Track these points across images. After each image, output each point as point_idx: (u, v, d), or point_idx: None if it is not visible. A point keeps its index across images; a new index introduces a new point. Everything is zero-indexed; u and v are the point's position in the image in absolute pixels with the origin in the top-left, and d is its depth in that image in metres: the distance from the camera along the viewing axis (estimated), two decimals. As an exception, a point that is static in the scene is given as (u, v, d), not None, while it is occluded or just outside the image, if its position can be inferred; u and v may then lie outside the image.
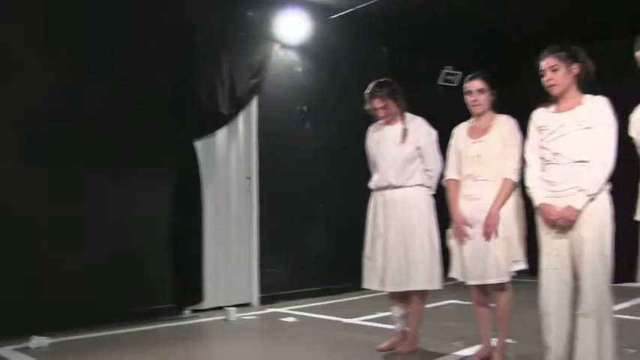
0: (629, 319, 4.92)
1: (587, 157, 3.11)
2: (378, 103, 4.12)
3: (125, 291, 5.23)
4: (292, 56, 6.88)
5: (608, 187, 3.13)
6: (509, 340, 3.89)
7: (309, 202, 6.76)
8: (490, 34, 7.25)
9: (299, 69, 6.97)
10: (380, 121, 4.24)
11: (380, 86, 4.14)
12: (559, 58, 3.22)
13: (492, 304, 3.81)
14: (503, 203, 3.65)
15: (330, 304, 6.39)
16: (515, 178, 3.62)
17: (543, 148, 3.26)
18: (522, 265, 3.64)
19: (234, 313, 5.53)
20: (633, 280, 2.89)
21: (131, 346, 4.52)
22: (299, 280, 6.69)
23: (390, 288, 4.05)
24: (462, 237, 3.75)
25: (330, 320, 5.47)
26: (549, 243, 3.21)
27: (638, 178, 3.03)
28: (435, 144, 4.12)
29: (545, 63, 3.24)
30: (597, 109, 3.17)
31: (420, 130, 4.11)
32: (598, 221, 3.08)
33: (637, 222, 2.86)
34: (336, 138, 6.87)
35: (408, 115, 4.17)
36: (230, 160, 6.28)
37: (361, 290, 4.33)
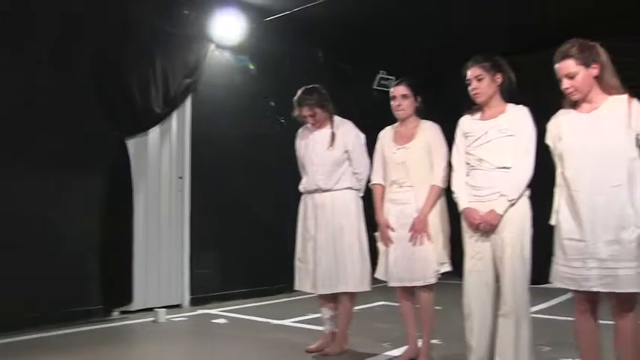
0: (545, 319, 5.12)
1: (509, 163, 3.25)
2: (306, 111, 4.17)
3: (51, 292, 5.06)
4: (228, 57, 6.84)
5: (527, 192, 3.27)
6: (435, 341, 4.00)
7: (243, 203, 6.73)
8: (424, 39, 7.42)
9: (252, 67, 6.96)
10: (309, 125, 4.29)
11: (307, 94, 4.18)
12: (483, 68, 3.35)
13: (417, 306, 3.91)
14: (431, 208, 3.75)
15: (262, 305, 6.38)
16: (442, 184, 3.74)
17: (468, 154, 3.38)
18: (447, 268, 3.77)
19: (163, 315, 5.46)
20: (549, 281, 3.02)
21: (57, 349, 4.38)
22: (231, 281, 6.66)
23: (320, 290, 4.09)
24: (386, 241, 3.86)
25: (261, 322, 5.47)
26: (472, 246, 3.33)
27: (554, 185, 3.14)
28: (364, 147, 4.19)
29: (471, 72, 3.37)
30: (519, 118, 3.32)
31: (349, 133, 4.16)
32: (518, 225, 3.22)
33: (552, 226, 2.99)
34: (271, 139, 6.87)
35: (337, 119, 4.23)
36: (162, 159, 6.20)
37: (293, 292, 4.36)
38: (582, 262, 2.81)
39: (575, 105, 2.95)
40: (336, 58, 7.90)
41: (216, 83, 6.68)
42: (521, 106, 3.37)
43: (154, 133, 6.09)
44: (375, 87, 8.28)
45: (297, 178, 4.36)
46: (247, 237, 6.79)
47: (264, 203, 6.88)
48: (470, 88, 3.39)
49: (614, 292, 2.77)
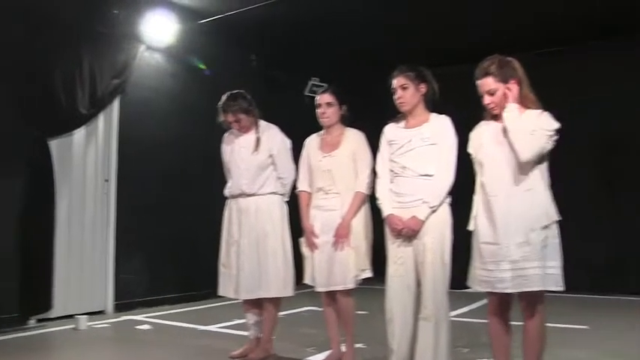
0: (465, 322, 5.28)
1: (431, 171, 3.34)
2: (230, 117, 4.16)
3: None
4: (159, 58, 6.75)
5: (448, 199, 3.38)
6: (359, 345, 4.06)
7: (170, 207, 6.64)
8: (357, 47, 7.52)
9: (202, 66, 6.88)
10: (235, 129, 4.28)
11: (232, 100, 4.18)
12: (408, 78, 3.45)
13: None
14: (355, 215, 3.81)
15: (188, 311, 6.30)
16: (366, 190, 3.80)
17: (392, 161, 3.46)
18: (368, 274, 3.83)
19: (84, 322, 5.29)
20: (467, 285, 3.14)
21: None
22: (157, 287, 6.54)
23: (242, 295, 4.08)
24: (311, 246, 3.90)
25: (187, 327, 5.39)
26: (395, 252, 3.41)
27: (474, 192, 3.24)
28: (289, 152, 4.21)
29: (396, 82, 3.46)
30: (441, 127, 3.42)
31: (274, 138, 4.18)
32: (439, 231, 3.32)
33: (471, 232, 3.10)
34: (200, 143, 6.78)
35: (263, 124, 4.24)
36: (87, 161, 6.04)
37: (220, 297, 4.32)
38: (496, 265, 2.94)
39: (495, 117, 3.08)
40: (269, 64, 7.91)
41: (146, 85, 6.58)
42: (443, 116, 3.47)
43: (80, 134, 5.93)
44: (307, 94, 8.32)
45: (223, 182, 4.33)
46: (174, 241, 6.69)
47: (191, 207, 6.79)
48: (395, 97, 3.48)
49: (524, 294, 2.92)
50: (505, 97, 3.01)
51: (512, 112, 2.99)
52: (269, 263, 4.03)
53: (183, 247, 6.74)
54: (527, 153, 2.91)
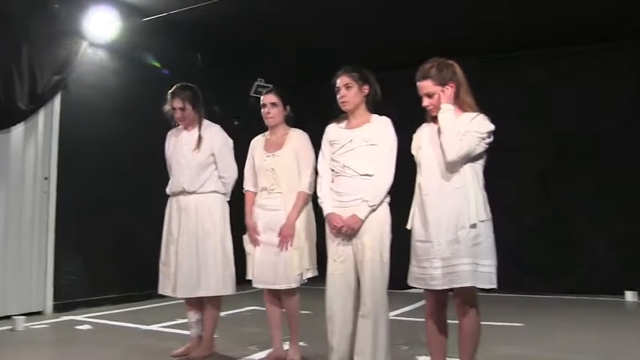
0: (407, 320, 5.41)
1: (371, 171, 3.42)
2: (177, 103, 4.15)
3: None
4: (102, 55, 6.65)
5: (387, 199, 3.46)
6: (301, 343, 4.10)
7: (112, 205, 6.53)
8: (303, 49, 7.58)
9: (156, 64, 6.83)
10: (178, 127, 4.28)
11: (183, 89, 4.20)
12: (352, 78, 3.53)
13: (284, 310, 4.02)
14: (298, 214, 3.87)
15: (130, 311, 6.22)
16: (308, 190, 3.89)
17: (334, 160, 3.53)
18: (312, 273, 3.90)
19: (21, 323, 5.16)
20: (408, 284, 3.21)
21: None
22: (99, 287, 6.44)
23: (180, 293, 4.07)
24: (253, 243, 3.96)
25: (128, 327, 5.33)
26: (335, 250, 3.48)
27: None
28: (231, 152, 4.22)
29: (340, 81, 3.53)
30: (382, 128, 3.51)
31: (216, 137, 4.19)
32: (378, 230, 3.40)
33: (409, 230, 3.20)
34: (143, 142, 6.70)
35: (205, 122, 4.25)
36: (27, 158, 5.90)
37: (162, 297, 4.30)
38: (429, 262, 3.03)
39: (435, 118, 3.16)
40: (215, 64, 7.86)
41: (89, 82, 6.47)
42: (384, 118, 3.56)
43: (18, 130, 5.79)
44: (252, 94, 8.30)
45: (166, 181, 4.31)
46: (116, 240, 6.60)
47: (133, 205, 6.70)
48: (338, 96, 3.55)
49: (458, 291, 3.02)
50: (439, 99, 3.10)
51: (445, 113, 3.08)
52: (209, 262, 4.03)
53: (125, 246, 6.65)
54: (453, 154, 3.00)
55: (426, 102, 3.14)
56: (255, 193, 4.07)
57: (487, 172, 3.10)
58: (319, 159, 3.64)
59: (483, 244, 2.98)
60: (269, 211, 3.92)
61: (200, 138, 4.15)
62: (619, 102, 7.18)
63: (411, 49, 6.53)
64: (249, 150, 4.15)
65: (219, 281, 4.05)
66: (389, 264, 3.41)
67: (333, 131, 3.61)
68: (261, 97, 4.06)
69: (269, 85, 8.34)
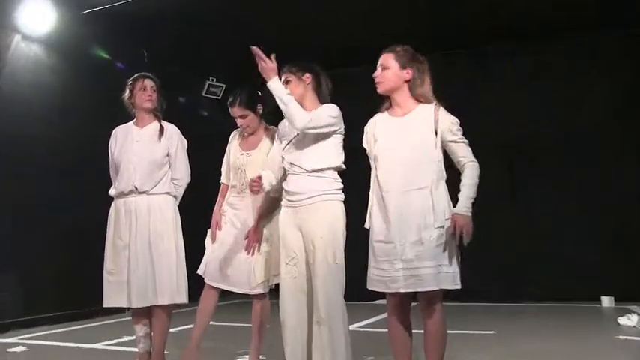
0: (373, 331, 5.35)
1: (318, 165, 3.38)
2: (148, 83, 4.00)
3: None
4: (36, 50, 6.42)
5: (341, 195, 3.38)
6: (261, 357, 4.05)
7: (51, 213, 6.25)
8: (257, 44, 7.40)
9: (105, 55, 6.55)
10: (127, 124, 4.09)
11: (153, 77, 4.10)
12: (290, 72, 3.49)
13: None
14: (266, 218, 3.88)
15: (73, 330, 5.97)
16: (277, 193, 3.76)
17: (283, 158, 3.50)
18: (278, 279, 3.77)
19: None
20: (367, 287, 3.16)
21: None
22: (36, 305, 6.15)
23: (136, 303, 3.84)
24: (213, 236, 4.01)
25: (69, 347, 5.12)
26: (286, 252, 3.42)
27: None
28: (185, 154, 4.10)
29: (282, 78, 3.45)
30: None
31: (172, 137, 4.05)
32: (329, 229, 3.31)
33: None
34: (82, 143, 6.42)
35: (163, 122, 4.08)
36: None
37: (107, 314, 4.09)
38: (390, 264, 3.01)
39: (389, 109, 3.21)
40: (163, 61, 7.59)
41: (24, 79, 6.26)
42: (327, 104, 3.46)
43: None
44: (204, 94, 8.17)
45: (110, 183, 4.11)
46: (54, 252, 6.32)
47: (76, 211, 6.44)
48: None
49: (422, 294, 3.00)
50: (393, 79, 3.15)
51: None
52: (163, 267, 3.85)
53: (65, 257, 6.35)
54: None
55: (377, 72, 3.18)
56: (228, 187, 4.11)
57: (449, 170, 3.13)
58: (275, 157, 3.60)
59: (445, 245, 2.98)
60: (236, 211, 3.98)
61: (162, 129, 3.98)
62: (588, 100, 7.22)
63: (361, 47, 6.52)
64: (229, 143, 4.17)
65: (172, 288, 3.88)
66: (344, 266, 3.32)
67: (282, 126, 3.58)
68: (230, 110, 4.03)
69: (221, 85, 8.23)
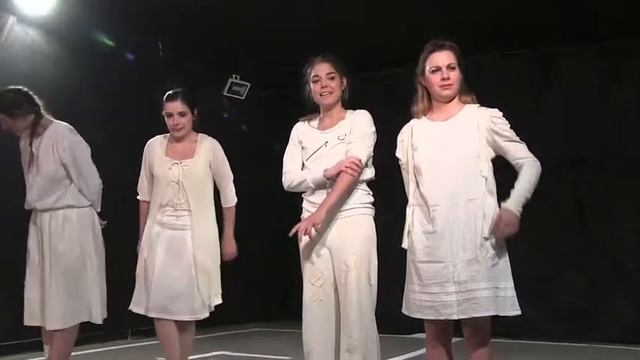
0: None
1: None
2: None
3: None
4: (33, 35, 6.32)
5: (372, 211, 3.39)
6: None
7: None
8: (283, 41, 7.22)
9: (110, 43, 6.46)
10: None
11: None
12: (335, 66, 3.44)
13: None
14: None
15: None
16: (235, 202, 4.17)
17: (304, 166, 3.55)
18: (219, 299, 4.03)
19: None
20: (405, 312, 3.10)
21: None
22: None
23: (51, 325, 3.93)
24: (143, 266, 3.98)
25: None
26: (311, 270, 3.37)
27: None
28: (88, 158, 4.14)
29: (321, 69, 3.44)
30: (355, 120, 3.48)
31: (61, 144, 4.05)
32: (365, 248, 3.29)
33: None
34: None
35: (55, 126, 4.11)
36: None
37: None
38: (441, 287, 2.93)
39: (427, 113, 3.17)
40: (181, 55, 7.54)
41: (19, 69, 6.12)
42: (360, 110, 3.49)
43: None
44: (226, 93, 8.06)
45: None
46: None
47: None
48: (317, 87, 3.47)
49: (468, 321, 2.91)
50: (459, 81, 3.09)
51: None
52: (60, 288, 3.92)
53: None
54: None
55: (446, 74, 3.04)
56: (149, 203, 4.10)
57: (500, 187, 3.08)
58: (285, 159, 3.55)
59: (501, 263, 2.95)
60: (173, 231, 3.94)
61: (32, 155, 4.01)
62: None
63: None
64: (145, 153, 4.13)
65: (81, 309, 3.99)
66: (376, 288, 3.32)
67: (302, 131, 3.55)
68: (166, 104, 4.00)
69: (245, 83, 8.06)
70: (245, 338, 6.94)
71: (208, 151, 4.03)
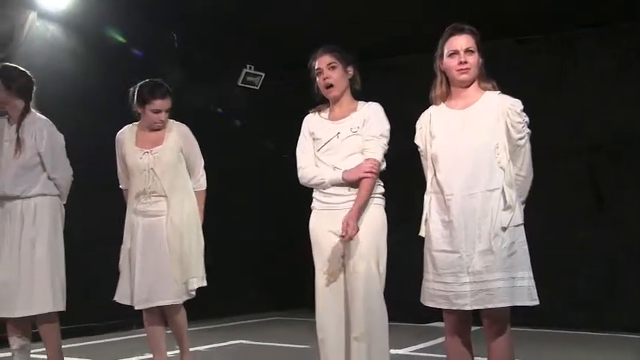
0: (423, 357, 5.19)
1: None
2: None
3: None
4: (53, 30, 6.48)
5: (383, 201, 3.46)
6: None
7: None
8: (299, 30, 7.32)
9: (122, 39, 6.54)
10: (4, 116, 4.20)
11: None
12: (335, 57, 3.50)
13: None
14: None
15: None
16: (205, 187, 4.24)
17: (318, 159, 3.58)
18: (200, 282, 4.07)
19: None
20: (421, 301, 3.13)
21: None
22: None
23: (10, 312, 3.94)
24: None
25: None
26: (322, 259, 3.45)
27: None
28: (62, 150, 4.19)
29: (321, 61, 3.51)
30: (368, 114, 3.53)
31: (40, 133, 4.09)
32: (375, 236, 3.41)
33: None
34: (101, 138, 6.39)
35: (31, 116, 4.15)
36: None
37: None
38: (455, 277, 2.94)
39: (445, 99, 3.16)
40: (195, 46, 7.66)
41: (38, 64, 6.16)
42: (373, 103, 3.56)
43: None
44: (240, 84, 8.10)
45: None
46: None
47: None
48: (319, 79, 3.55)
49: (488, 312, 2.91)
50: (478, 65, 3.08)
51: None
52: (34, 275, 3.96)
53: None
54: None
55: (464, 57, 3.03)
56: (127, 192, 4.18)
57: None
58: (299, 153, 3.62)
59: (519, 253, 2.94)
60: (149, 218, 4.02)
61: (19, 140, 4.05)
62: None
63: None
64: (116, 146, 4.20)
65: (47, 297, 3.97)
66: (385, 278, 3.38)
67: (313, 123, 3.59)
68: (153, 101, 4.04)
69: (260, 74, 8.20)
70: (264, 327, 7.07)
71: (178, 136, 4.12)
